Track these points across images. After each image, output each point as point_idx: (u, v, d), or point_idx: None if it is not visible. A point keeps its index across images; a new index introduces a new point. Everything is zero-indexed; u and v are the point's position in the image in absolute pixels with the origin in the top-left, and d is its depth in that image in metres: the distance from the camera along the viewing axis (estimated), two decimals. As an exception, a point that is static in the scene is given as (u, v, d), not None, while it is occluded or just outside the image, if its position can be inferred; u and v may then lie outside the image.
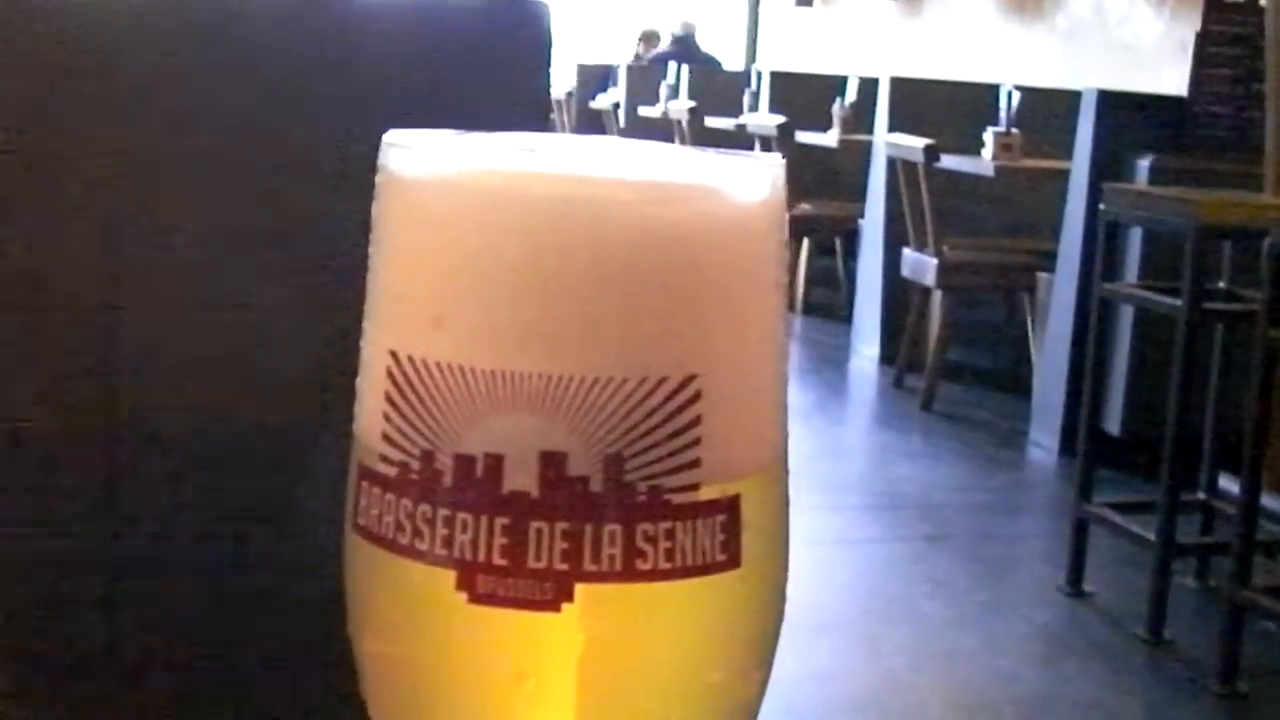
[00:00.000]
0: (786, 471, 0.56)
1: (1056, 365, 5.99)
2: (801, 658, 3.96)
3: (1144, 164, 5.57)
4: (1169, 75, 8.06)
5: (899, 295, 7.26)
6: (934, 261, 6.61)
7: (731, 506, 0.51)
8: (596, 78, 13.34)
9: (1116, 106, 5.92)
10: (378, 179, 0.54)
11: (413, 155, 0.52)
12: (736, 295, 0.52)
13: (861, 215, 7.84)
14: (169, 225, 1.35)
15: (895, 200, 7.11)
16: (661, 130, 10.86)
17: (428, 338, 0.51)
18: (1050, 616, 4.35)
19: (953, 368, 6.94)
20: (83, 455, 1.39)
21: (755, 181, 0.53)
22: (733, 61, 14.25)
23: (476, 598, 0.50)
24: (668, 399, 0.49)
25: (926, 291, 6.88)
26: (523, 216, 0.50)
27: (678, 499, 0.49)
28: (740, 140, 9.14)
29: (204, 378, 1.52)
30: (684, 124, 10.15)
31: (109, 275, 1.36)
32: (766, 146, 8.50)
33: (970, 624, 4.26)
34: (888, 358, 7.41)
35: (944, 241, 6.63)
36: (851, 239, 8.27)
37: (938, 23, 11.21)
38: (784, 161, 0.55)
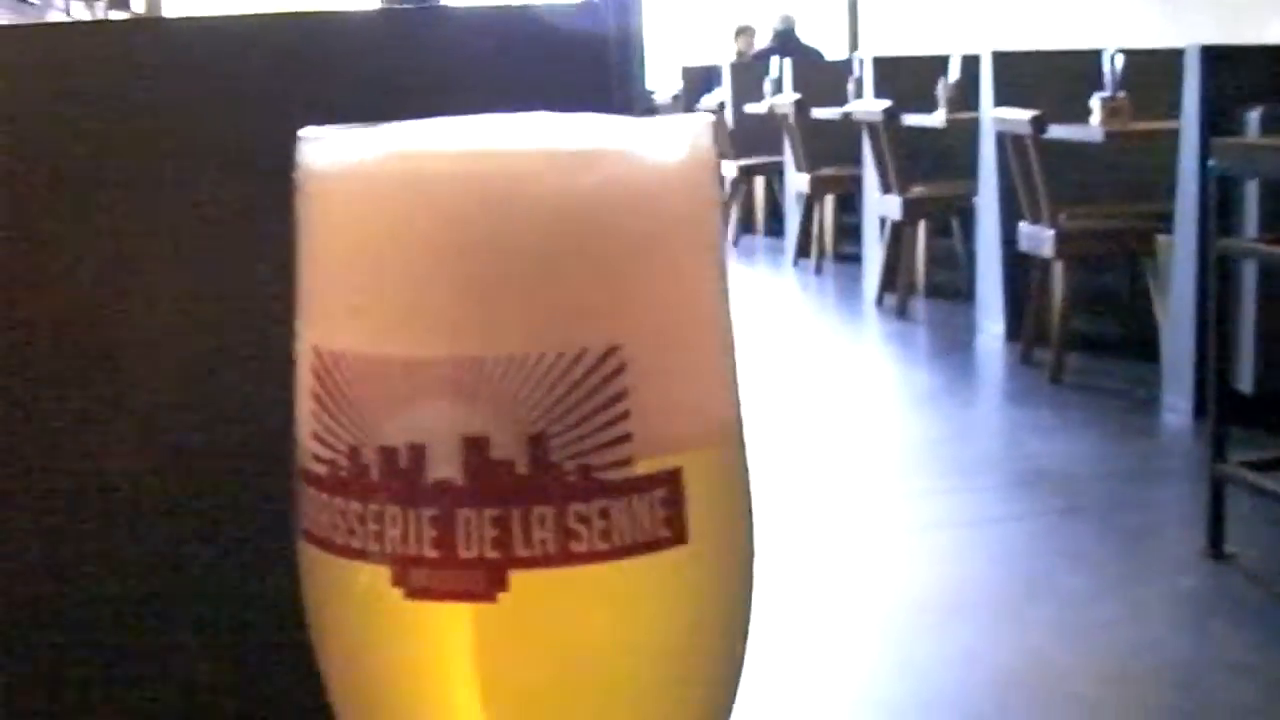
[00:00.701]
0: (742, 441, 0.55)
1: (1183, 327, 5.92)
2: (941, 641, 3.94)
3: (1254, 116, 5.49)
4: (1274, 26, 7.96)
5: (1019, 270, 7.21)
6: (1051, 233, 6.56)
7: (671, 480, 0.49)
8: (702, 79, 13.36)
9: (1221, 60, 5.84)
10: (295, 175, 0.53)
11: (322, 148, 0.52)
12: (659, 261, 0.50)
13: (975, 193, 7.79)
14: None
15: (1007, 175, 7.06)
16: (769, 126, 10.86)
17: (346, 330, 0.50)
18: (1193, 581, 4.30)
19: (1079, 338, 6.88)
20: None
21: (672, 143, 0.51)
22: (835, 51, 14.21)
23: (412, 593, 0.49)
24: (589, 372, 0.48)
25: (1046, 263, 6.83)
26: (427, 197, 0.48)
27: (609, 476, 0.48)
28: (847, 129, 9.12)
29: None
30: (790, 118, 10.14)
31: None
32: (874, 132, 8.47)
33: (1112, 595, 4.22)
34: (1013, 333, 7.35)
35: (1059, 212, 6.57)
36: (967, 217, 8.22)
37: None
38: (711, 119, 0.53)
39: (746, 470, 0.55)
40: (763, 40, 13.73)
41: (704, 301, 0.52)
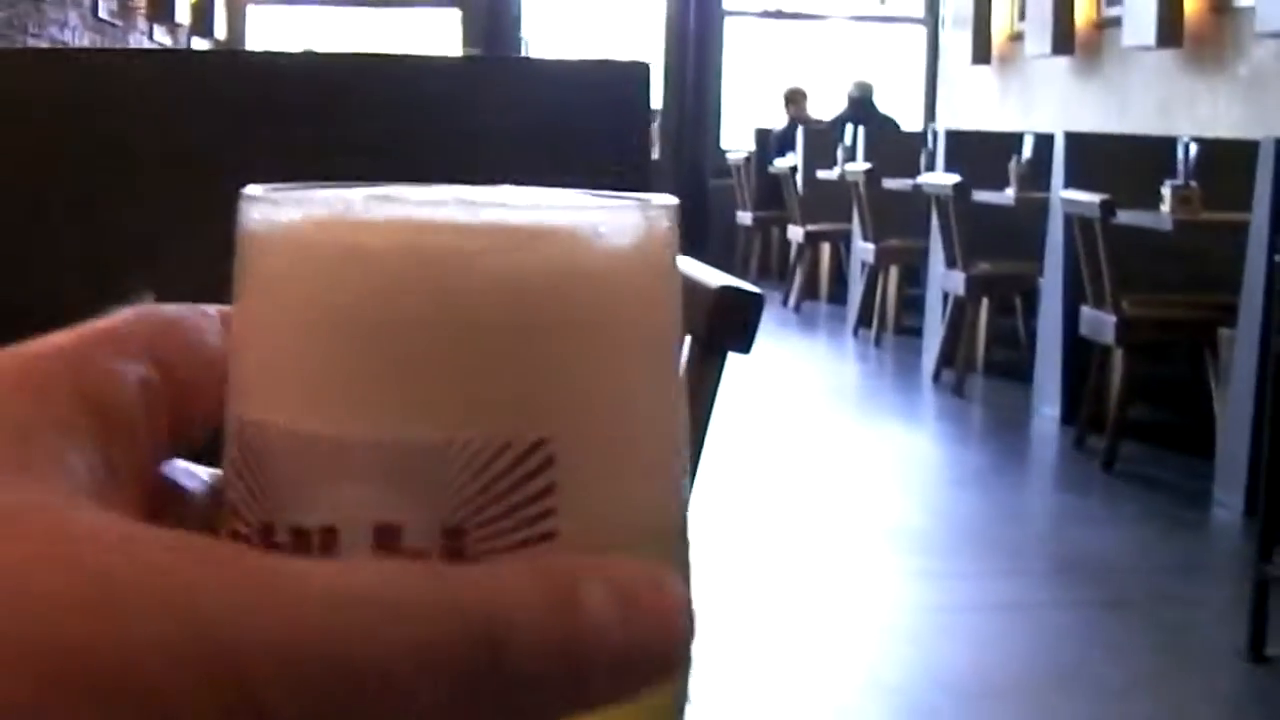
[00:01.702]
0: (684, 543, 0.50)
1: (1240, 422, 5.84)
2: (969, 725, 3.88)
3: (1326, 214, 5.42)
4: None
5: (1080, 354, 7.14)
6: (1113, 319, 6.49)
7: None
8: (775, 141, 13.35)
9: (1296, 155, 5.78)
10: (236, 234, 0.49)
11: (260, 208, 0.48)
12: (601, 351, 0.45)
13: (1040, 273, 7.73)
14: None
15: (1073, 257, 7.00)
16: (840, 193, 10.84)
17: (269, 400, 0.46)
18: (1230, 683, 4.22)
19: (1135, 427, 6.79)
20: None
21: (626, 224, 0.46)
22: (911, 121, 14.18)
23: None
24: (514, 465, 0.43)
25: (1107, 349, 6.76)
26: (358, 269, 0.45)
27: None
28: (917, 200, 9.08)
29: None
30: (860, 186, 10.11)
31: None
32: (942, 206, 8.42)
33: (1147, 691, 4.14)
34: (1069, 418, 7.28)
35: (1123, 298, 6.50)
36: (1031, 297, 8.15)
37: (1114, 77, 11.06)
38: (674, 202, 0.49)
39: (689, 570, 0.50)
40: (837, 107, 13.72)
41: (647, 397, 0.47)
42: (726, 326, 1.99)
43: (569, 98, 1.52)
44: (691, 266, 2.17)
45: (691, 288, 2.09)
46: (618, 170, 1.59)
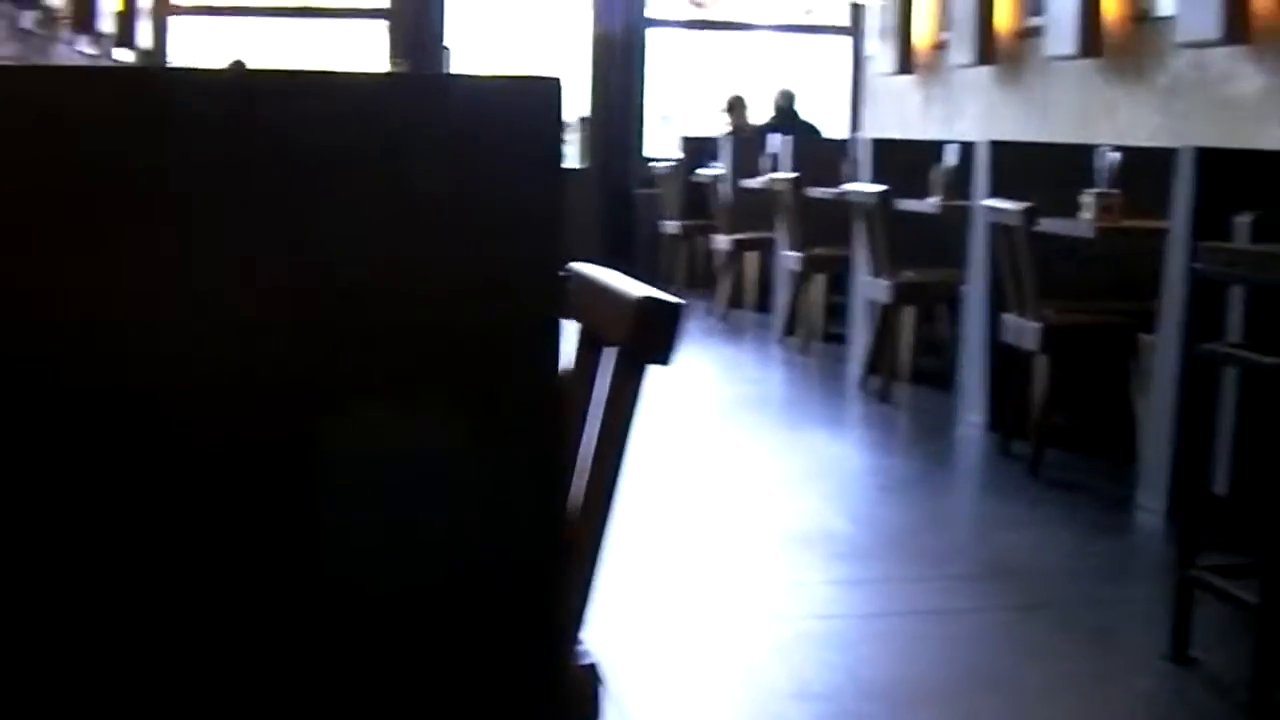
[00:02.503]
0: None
1: (1161, 428, 5.90)
2: (895, 730, 3.91)
3: (1243, 221, 5.47)
4: (1273, 131, 7.96)
5: (1003, 361, 7.18)
6: (1036, 326, 6.54)
7: None
8: (701, 150, 13.38)
9: (1214, 164, 5.84)
10: None
11: None
12: None
13: (964, 281, 7.77)
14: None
15: (996, 265, 7.05)
16: (765, 201, 10.87)
17: None
18: (1152, 685, 4.26)
19: (1059, 432, 6.85)
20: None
21: None
22: (836, 130, 14.25)
23: None
24: None
25: (1030, 356, 6.81)
26: None
27: None
28: (842, 209, 9.12)
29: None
30: (785, 195, 10.14)
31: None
32: (867, 215, 8.46)
33: (1070, 693, 4.17)
34: (994, 424, 7.34)
35: (1045, 305, 6.56)
36: (955, 305, 8.20)
37: (1036, 86, 11.14)
38: None
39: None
40: (761, 115, 13.76)
41: None
42: (648, 337, 2.00)
43: (482, 114, 1.54)
44: (612, 278, 2.18)
45: (612, 298, 2.11)
46: (530, 186, 1.61)
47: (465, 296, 1.70)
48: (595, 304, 2.17)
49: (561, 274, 1.79)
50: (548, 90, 1.54)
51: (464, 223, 1.67)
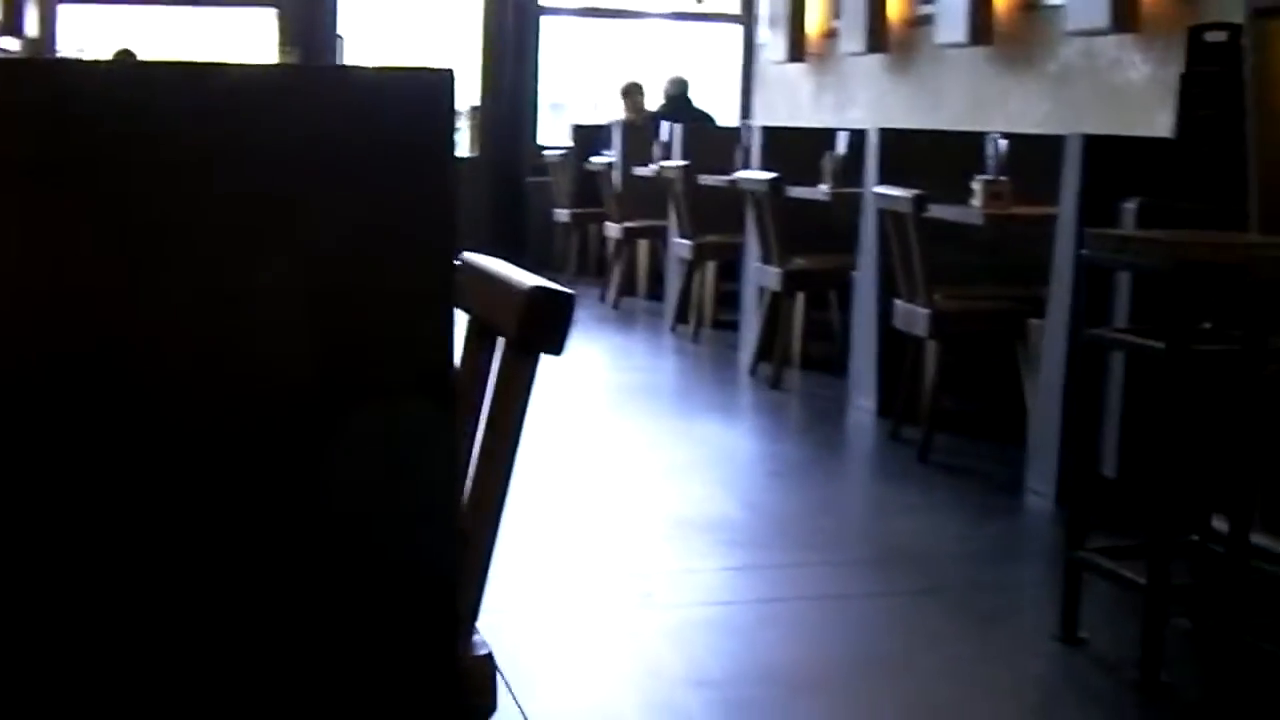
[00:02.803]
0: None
1: (1050, 411, 5.96)
2: (789, 715, 3.93)
3: (1130, 207, 5.54)
4: (1161, 118, 8.04)
5: (894, 346, 7.23)
6: (926, 312, 6.59)
7: None
8: (593, 138, 13.36)
9: (1102, 150, 5.90)
10: None
11: None
12: None
13: (855, 267, 7.81)
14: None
15: (887, 252, 7.09)
16: (657, 189, 10.88)
17: None
18: (1043, 665, 4.30)
19: (949, 417, 6.90)
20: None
21: None
22: (728, 118, 14.27)
23: None
24: None
25: (920, 342, 6.86)
26: None
27: None
28: (734, 196, 9.14)
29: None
30: (677, 182, 10.15)
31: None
32: (758, 202, 8.48)
33: (964, 676, 4.21)
34: (884, 409, 7.38)
35: (935, 291, 6.60)
36: (846, 292, 8.24)
37: (927, 74, 11.20)
38: None
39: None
40: (654, 102, 13.76)
41: None
42: (538, 327, 2.00)
43: (373, 106, 1.54)
44: (502, 268, 2.18)
45: (502, 289, 2.10)
46: (422, 178, 1.61)
47: (357, 288, 1.70)
48: (486, 294, 2.16)
49: (453, 265, 1.79)
50: (439, 83, 1.54)
51: (355, 214, 1.67)
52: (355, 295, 1.70)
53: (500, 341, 2.16)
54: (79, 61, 1.37)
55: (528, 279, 2.06)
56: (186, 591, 1.71)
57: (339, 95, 1.56)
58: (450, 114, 1.55)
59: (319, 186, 1.63)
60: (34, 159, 1.51)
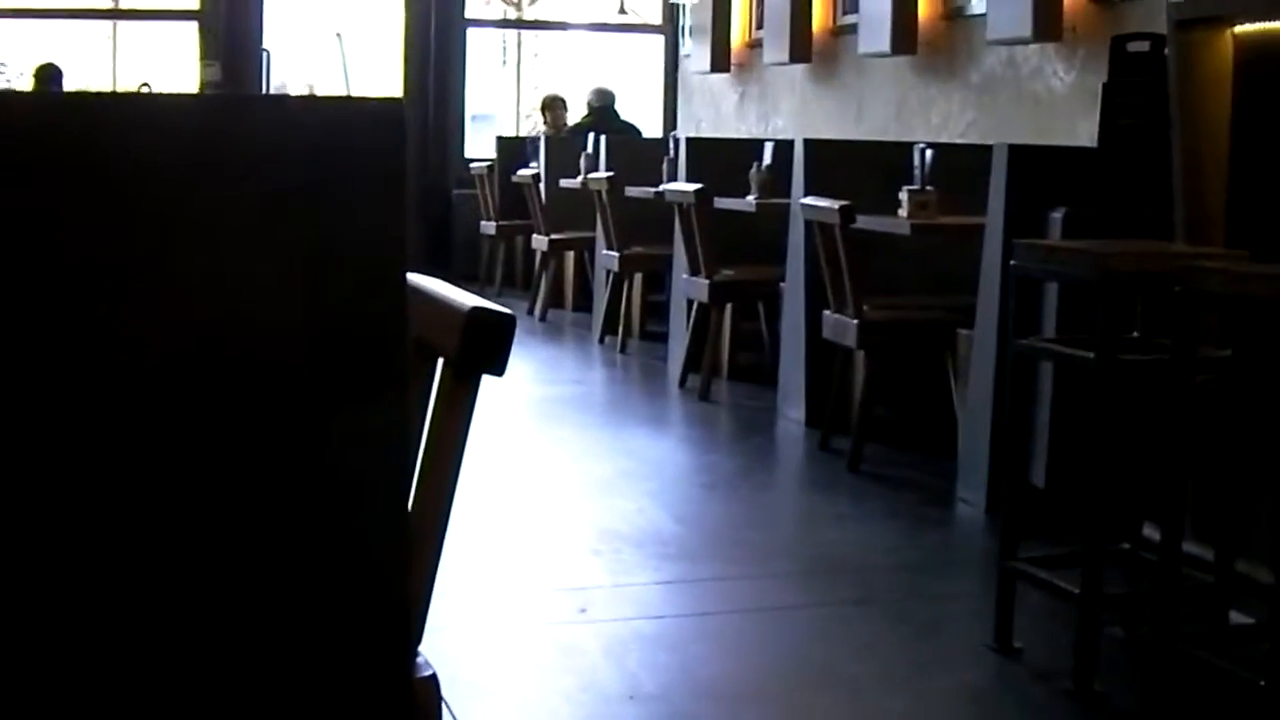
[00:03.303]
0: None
1: (980, 421, 5.99)
2: (727, 730, 3.93)
3: (1057, 217, 5.58)
4: (1083, 126, 8.10)
5: (822, 357, 7.25)
6: (854, 322, 6.61)
7: None
8: (518, 150, 13.36)
9: (1027, 160, 5.94)
10: None
11: None
12: None
13: (783, 278, 7.83)
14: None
15: (814, 263, 7.10)
16: (583, 201, 10.88)
17: None
18: (978, 675, 4.32)
19: (879, 427, 6.93)
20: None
21: None
22: (652, 129, 14.29)
23: None
24: None
25: (849, 352, 6.88)
26: None
27: None
28: (660, 208, 9.15)
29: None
30: (603, 194, 10.15)
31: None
32: (684, 214, 8.50)
33: (899, 686, 4.22)
34: (814, 420, 7.40)
35: (863, 302, 6.62)
36: (774, 302, 8.26)
37: (851, 84, 11.25)
38: None
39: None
40: (579, 114, 13.78)
41: None
42: (479, 349, 2.00)
43: (325, 137, 1.54)
44: (442, 288, 2.17)
45: (443, 309, 2.10)
46: (372, 209, 1.61)
47: (311, 314, 1.70)
48: (426, 314, 2.16)
49: (405, 285, 1.79)
50: (390, 114, 1.54)
51: (306, 247, 1.66)
52: (308, 324, 1.70)
53: (440, 362, 2.15)
54: (20, 93, 1.37)
55: (468, 299, 2.05)
56: (145, 598, 1.70)
57: (291, 125, 1.56)
58: (402, 142, 1.55)
59: (268, 218, 1.63)
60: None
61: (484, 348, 1.99)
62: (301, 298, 1.69)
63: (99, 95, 1.50)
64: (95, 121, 1.50)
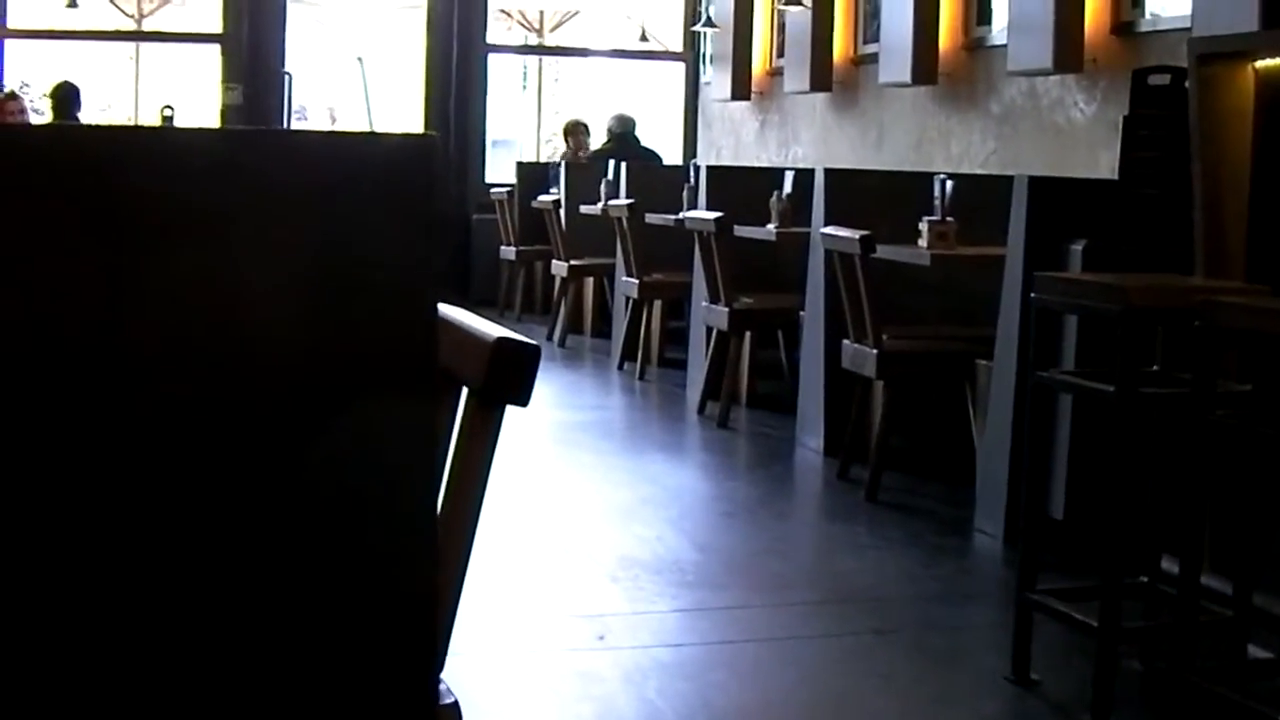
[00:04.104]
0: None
1: (999, 452, 5.99)
2: (745, 759, 3.93)
3: (1077, 249, 5.59)
4: (1104, 158, 8.11)
5: (841, 386, 7.25)
6: (873, 352, 6.61)
7: None
8: (538, 176, 13.38)
9: (1048, 192, 5.94)
10: None
11: None
12: None
13: (802, 307, 7.84)
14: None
15: (834, 292, 7.11)
16: (603, 227, 10.89)
17: None
18: (996, 707, 4.32)
19: (897, 456, 6.93)
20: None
21: None
22: (672, 156, 14.31)
23: None
24: None
25: (868, 382, 6.88)
26: None
27: None
28: (680, 235, 9.16)
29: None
30: (623, 221, 10.17)
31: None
32: (704, 242, 8.51)
33: (917, 717, 4.23)
34: (832, 449, 7.40)
35: (882, 331, 6.63)
36: (793, 331, 8.27)
37: (871, 113, 11.27)
38: None
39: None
40: (599, 140, 13.80)
41: None
42: (503, 379, 2.01)
43: (359, 171, 1.55)
44: (467, 318, 2.19)
45: (467, 339, 2.11)
46: (404, 244, 1.63)
47: (340, 348, 1.72)
48: (451, 344, 2.17)
49: (435, 316, 1.81)
50: (424, 149, 1.56)
51: (338, 280, 1.68)
52: (337, 354, 1.71)
53: (464, 391, 2.16)
54: (51, 126, 1.40)
55: (492, 330, 2.07)
56: (169, 625, 1.72)
57: (325, 160, 1.57)
58: (432, 180, 1.57)
59: (299, 251, 1.64)
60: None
61: (509, 378, 2.01)
62: (333, 329, 1.70)
63: (141, 129, 1.53)
64: (128, 154, 1.51)
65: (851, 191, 7.62)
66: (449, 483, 2.12)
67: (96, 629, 1.68)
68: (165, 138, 1.55)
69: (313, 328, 1.71)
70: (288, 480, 1.72)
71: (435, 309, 1.79)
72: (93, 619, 1.68)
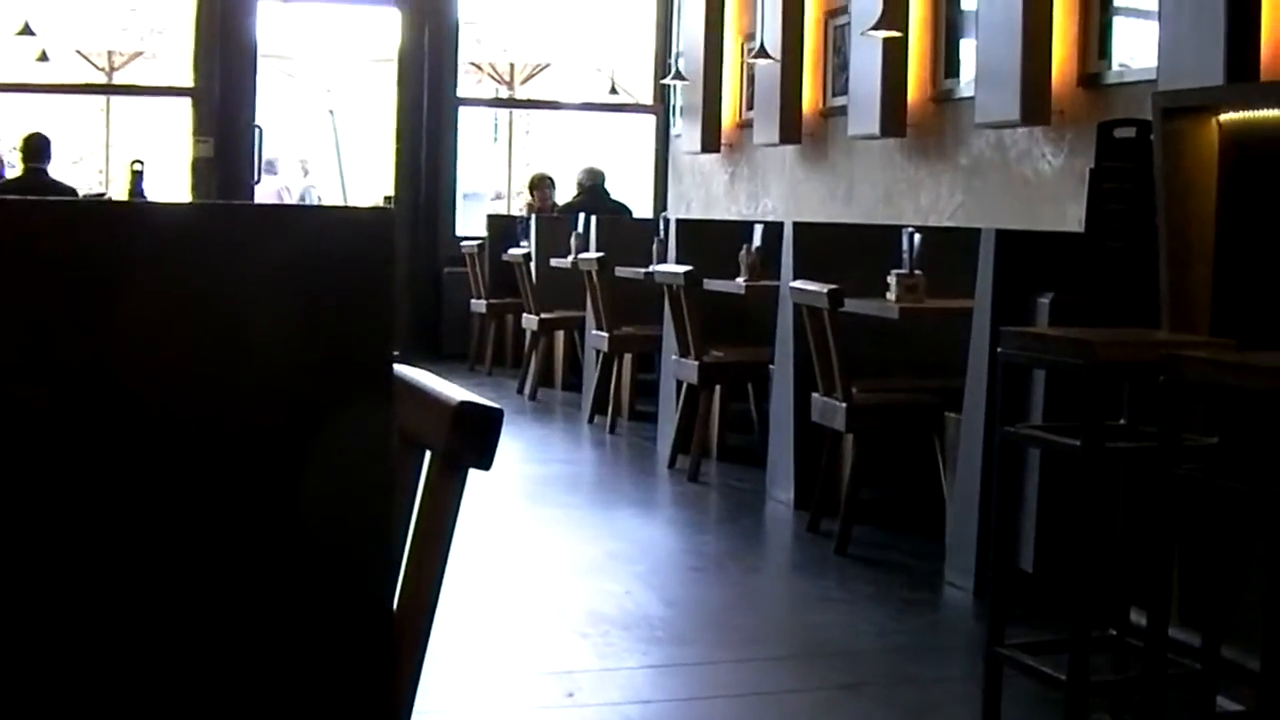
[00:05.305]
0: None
1: (968, 505, 5.99)
2: (714, 817, 3.92)
3: (1044, 302, 5.60)
4: (1072, 210, 8.15)
5: (811, 438, 7.25)
6: (842, 406, 6.62)
7: None
8: (508, 229, 13.38)
9: (1015, 245, 5.97)
10: None
11: None
12: None
13: (772, 360, 7.85)
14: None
15: (803, 345, 7.12)
16: (573, 280, 10.90)
17: None
18: (966, 763, 4.32)
19: (867, 509, 6.93)
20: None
21: None
22: (642, 208, 14.33)
23: None
24: None
25: (838, 435, 6.89)
26: None
27: None
28: (650, 288, 9.17)
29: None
30: (593, 274, 10.18)
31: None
32: (674, 295, 8.52)
33: (886, 774, 4.22)
34: (802, 502, 7.40)
35: (851, 385, 6.63)
36: (764, 384, 8.27)
37: (840, 165, 11.31)
38: None
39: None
40: (569, 193, 13.82)
41: None
42: (466, 443, 2.00)
43: (309, 247, 1.57)
44: (430, 380, 2.18)
45: (430, 403, 2.10)
46: (361, 315, 1.63)
47: (298, 415, 1.72)
48: (413, 408, 2.17)
49: (391, 383, 1.81)
50: (379, 221, 1.57)
51: (297, 349, 1.69)
52: (295, 422, 1.71)
53: (427, 455, 2.15)
54: (16, 201, 1.39)
55: (456, 393, 2.06)
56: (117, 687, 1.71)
57: (281, 234, 1.58)
58: (390, 252, 1.58)
59: (256, 325, 1.65)
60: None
61: (471, 442, 2.00)
62: (287, 396, 1.71)
63: (104, 204, 1.54)
64: (94, 229, 1.52)
65: (820, 244, 7.64)
66: (411, 548, 2.11)
67: (38, 658, 1.68)
68: (144, 212, 1.58)
69: (272, 391, 1.71)
70: (239, 542, 1.72)
71: (391, 372, 1.80)
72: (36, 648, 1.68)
